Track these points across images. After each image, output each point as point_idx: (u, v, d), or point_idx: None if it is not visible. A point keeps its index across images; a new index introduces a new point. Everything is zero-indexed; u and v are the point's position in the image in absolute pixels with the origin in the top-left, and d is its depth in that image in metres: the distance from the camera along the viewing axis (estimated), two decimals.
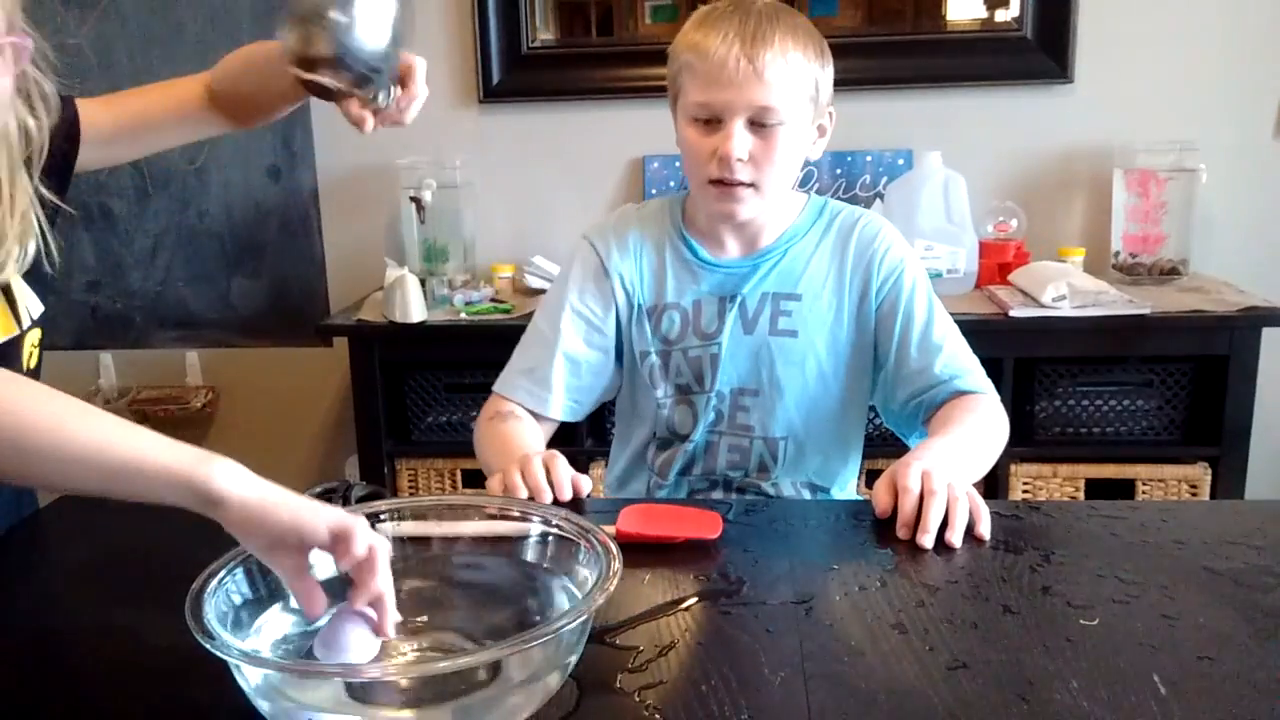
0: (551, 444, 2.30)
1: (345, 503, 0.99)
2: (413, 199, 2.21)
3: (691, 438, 1.24)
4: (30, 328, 1.04)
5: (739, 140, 1.12)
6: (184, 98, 1.13)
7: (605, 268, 1.25)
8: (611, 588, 0.69)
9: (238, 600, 0.74)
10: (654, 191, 2.34)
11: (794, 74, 1.12)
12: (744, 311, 1.22)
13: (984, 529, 0.95)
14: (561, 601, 0.77)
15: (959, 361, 1.19)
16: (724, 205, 1.18)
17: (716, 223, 1.22)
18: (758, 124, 1.13)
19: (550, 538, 0.81)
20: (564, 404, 1.25)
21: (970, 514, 0.95)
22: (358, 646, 0.70)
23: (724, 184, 1.15)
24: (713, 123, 1.14)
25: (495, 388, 1.26)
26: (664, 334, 1.24)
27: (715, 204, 1.19)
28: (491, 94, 2.34)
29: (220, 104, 1.13)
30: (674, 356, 1.23)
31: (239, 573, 0.75)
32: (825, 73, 1.17)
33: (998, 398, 1.20)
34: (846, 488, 1.29)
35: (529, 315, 1.32)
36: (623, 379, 1.29)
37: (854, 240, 1.23)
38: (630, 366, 1.27)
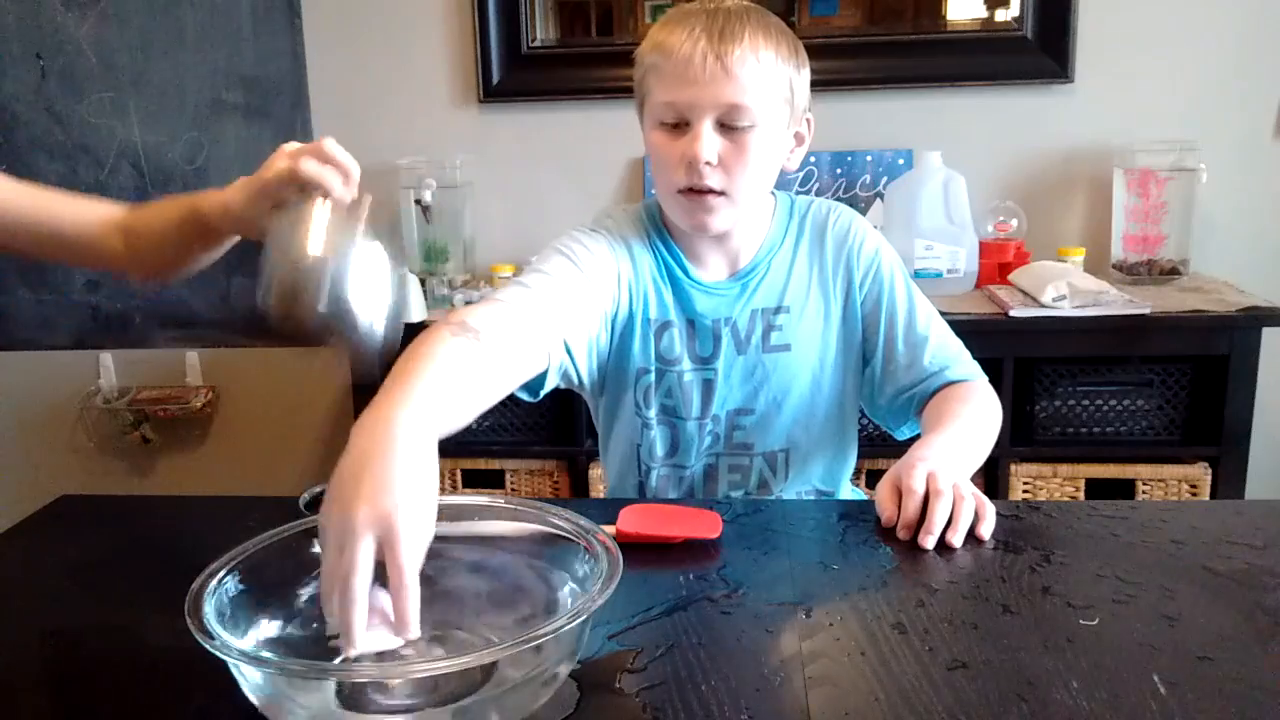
0: (550, 445, 2.28)
1: None
2: (417, 201, 2.21)
3: (689, 464, 1.21)
4: None
5: (707, 142, 1.06)
6: (87, 238, 1.02)
7: (619, 273, 1.16)
8: (612, 588, 0.69)
9: (238, 600, 0.74)
10: (654, 192, 2.33)
11: (766, 72, 1.06)
12: (735, 332, 1.18)
13: (984, 529, 0.95)
14: (561, 601, 0.77)
15: (947, 351, 1.18)
16: (695, 216, 1.12)
17: (692, 232, 1.16)
18: (728, 126, 1.07)
19: (550, 538, 0.81)
20: (560, 324, 1.06)
21: (974, 513, 0.95)
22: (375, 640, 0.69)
23: (694, 192, 1.10)
24: (680, 126, 1.09)
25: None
26: (662, 352, 1.19)
27: (686, 215, 1.13)
28: (491, 94, 2.34)
29: (127, 259, 1.04)
30: (668, 377, 1.19)
31: (239, 572, 0.75)
32: (800, 75, 1.11)
33: (986, 379, 1.19)
34: (845, 484, 1.29)
35: None
36: (599, 403, 1.23)
37: (829, 237, 1.20)
38: (617, 388, 1.20)
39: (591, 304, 1.12)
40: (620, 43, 2.33)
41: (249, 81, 2.40)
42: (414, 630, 0.68)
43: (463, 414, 0.88)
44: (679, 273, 1.18)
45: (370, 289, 0.82)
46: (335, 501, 0.71)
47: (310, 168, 0.85)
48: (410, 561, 0.68)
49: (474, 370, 0.91)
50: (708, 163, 1.07)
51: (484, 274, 2.31)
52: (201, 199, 0.97)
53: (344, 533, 0.68)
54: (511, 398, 1.01)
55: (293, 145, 0.88)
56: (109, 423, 2.58)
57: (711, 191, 1.09)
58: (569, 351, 1.09)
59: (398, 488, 0.70)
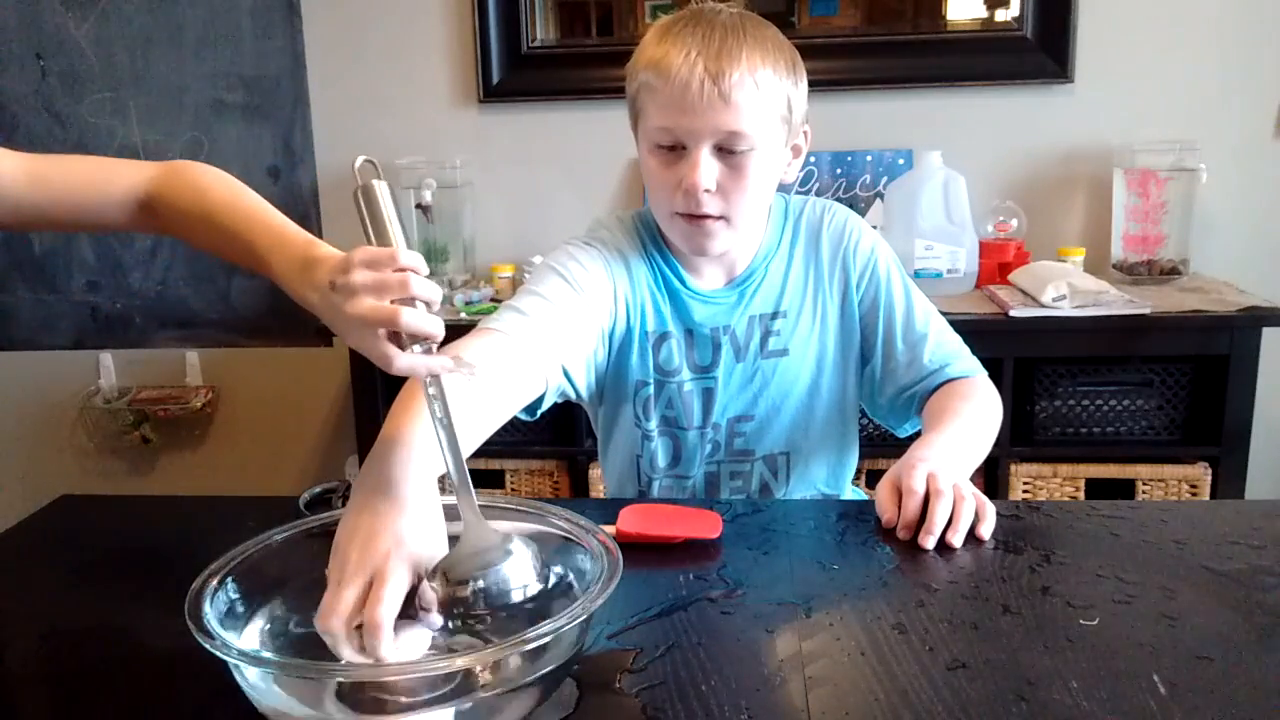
0: (550, 445, 2.28)
1: (345, 503, 0.99)
2: (418, 205, 2.21)
3: (691, 474, 1.21)
4: None
5: (705, 170, 1.04)
6: (114, 204, 0.96)
7: (615, 289, 1.15)
8: (611, 588, 0.69)
9: (237, 600, 0.74)
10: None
11: (764, 95, 1.03)
12: (734, 340, 1.17)
13: (984, 529, 0.95)
14: (561, 601, 0.77)
15: (946, 347, 1.18)
16: (694, 241, 1.10)
17: (691, 255, 1.15)
18: (726, 150, 1.04)
19: (550, 538, 0.81)
20: (557, 350, 1.05)
21: (975, 513, 0.95)
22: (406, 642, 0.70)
23: (693, 217, 1.07)
24: (676, 149, 1.06)
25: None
26: (661, 364, 1.17)
27: (685, 240, 1.11)
28: (491, 94, 2.34)
29: (151, 227, 0.98)
30: (668, 388, 1.18)
31: (238, 573, 0.75)
32: (798, 89, 1.08)
33: (986, 375, 1.18)
34: (847, 485, 1.29)
35: None
36: (598, 413, 1.23)
37: (824, 237, 1.19)
38: (615, 399, 1.20)
39: (588, 324, 1.11)
40: (620, 43, 2.33)
41: (249, 81, 2.40)
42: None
43: (463, 451, 0.88)
44: (676, 283, 1.17)
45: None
46: (336, 548, 0.73)
47: (415, 323, 0.73)
48: (388, 606, 0.68)
49: (471, 407, 0.91)
50: (706, 190, 1.05)
51: (484, 274, 2.31)
52: (268, 255, 0.86)
53: (340, 578, 0.71)
54: None
55: (364, 259, 0.75)
56: (109, 423, 2.58)
57: (710, 217, 1.08)
58: (566, 375, 1.09)
59: (391, 536, 0.72)
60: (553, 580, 0.75)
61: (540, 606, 0.74)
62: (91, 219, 0.98)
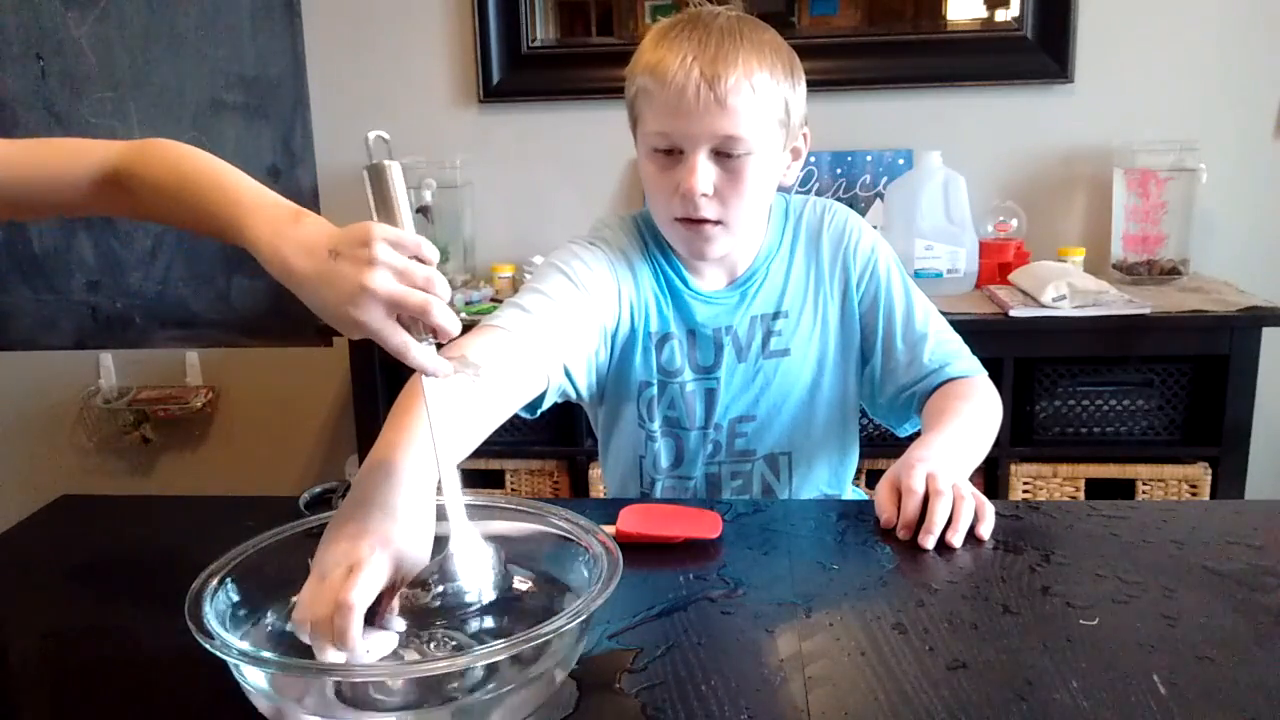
0: (550, 445, 2.28)
1: None
2: (419, 208, 2.21)
3: (693, 475, 1.21)
4: None
5: (702, 174, 1.04)
6: (81, 180, 0.91)
7: (619, 289, 1.14)
8: (611, 588, 0.69)
9: (237, 600, 0.74)
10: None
11: (761, 98, 1.03)
12: (736, 340, 1.17)
13: (984, 529, 0.95)
14: (561, 601, 0.77)
15: (946, 347, 1.18)
16: (693, 245, 1.11)
17: (690, 258, 1.16)
18: (723, 154, 1.04)
19: (550, 538, 0.81)
20: (559, 348, 1.05)
21: (974, 513, 0.95)
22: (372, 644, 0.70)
23: (691, 221, 1.08)
24: (674, 153, 1.06)
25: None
26: (663, 365, 1.18)
27: (683, 244, 1.12)
28: (491, 94, 2.34)
29: (120, 205, 0.92)
30: (671, 389, 1.18)
31: (238, 573, 0.75)
32: (796, 92, 1.08)
33: (986, 374, 1.18)
34: (848, 485, 1.29)
35: None
36: (598, 413, 1.23)
37: (825, 237, 1.19)
38: (617, 400, 1.20)
39: (591, 323, 1.10)
40: (620, 43, 2.33)
41: (249, 81, 2.41)
42: (352, 649, 0.68)
43: (463, 449, 0.89)
44: (678, 284, 1.17)
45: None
46: (323, 544, 0.73)
47: (443, 318, 0.72)
48: (360, 591, 0.68)
49: (474, 406, 0.92)
50: (704, 194, 1.05)
51: (484, 274, 2.31)
52: (248, 220, 0.80)
53: (322, 570, 0.71)
54: None
55: (388, 237, 0.72)
56: (109, 423, 2.58)
57: (707, 221, 1.08)
58: (568, 374, 1.09)
59: (379, 538, 0.72)
60: (501, 581, 0.75)
61: (512, 606, 0.74)
62: (58, 197, 0.93)
